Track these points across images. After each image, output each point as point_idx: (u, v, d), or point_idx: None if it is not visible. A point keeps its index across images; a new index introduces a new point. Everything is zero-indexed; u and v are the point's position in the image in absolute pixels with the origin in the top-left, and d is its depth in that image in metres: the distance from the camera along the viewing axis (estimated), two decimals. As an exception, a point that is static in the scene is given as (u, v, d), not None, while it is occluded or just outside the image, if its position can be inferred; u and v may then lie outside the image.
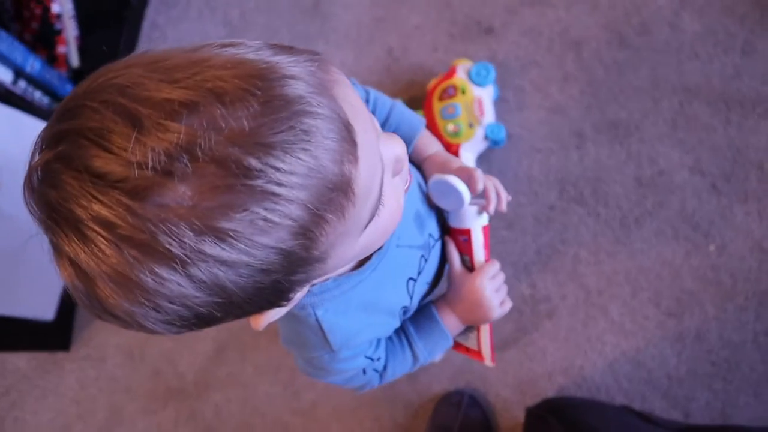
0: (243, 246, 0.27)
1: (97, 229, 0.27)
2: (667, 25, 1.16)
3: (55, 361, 1.23)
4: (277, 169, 0.27)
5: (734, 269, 1.05)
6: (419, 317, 0.64)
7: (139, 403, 1.19)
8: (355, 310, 0.52)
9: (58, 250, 0.29)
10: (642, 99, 1.14)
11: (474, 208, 0.62)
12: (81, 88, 0.29)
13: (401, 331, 0.64)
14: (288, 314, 0.50)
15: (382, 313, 0.56)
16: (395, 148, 0.39)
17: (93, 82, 0.29)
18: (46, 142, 0.29)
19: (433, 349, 0.64)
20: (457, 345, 0.69)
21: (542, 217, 1.12)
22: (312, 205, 0.29)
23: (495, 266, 0.64)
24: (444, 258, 0.67)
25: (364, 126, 0.33)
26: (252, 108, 0.27)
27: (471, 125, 1.07)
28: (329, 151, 0.29)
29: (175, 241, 0.26)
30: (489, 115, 1.09)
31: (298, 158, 0.27)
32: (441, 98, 1.09)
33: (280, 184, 0.27)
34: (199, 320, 0.31)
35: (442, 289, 0.69)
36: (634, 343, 1.05)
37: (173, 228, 0.26)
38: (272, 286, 0.31)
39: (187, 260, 0.27)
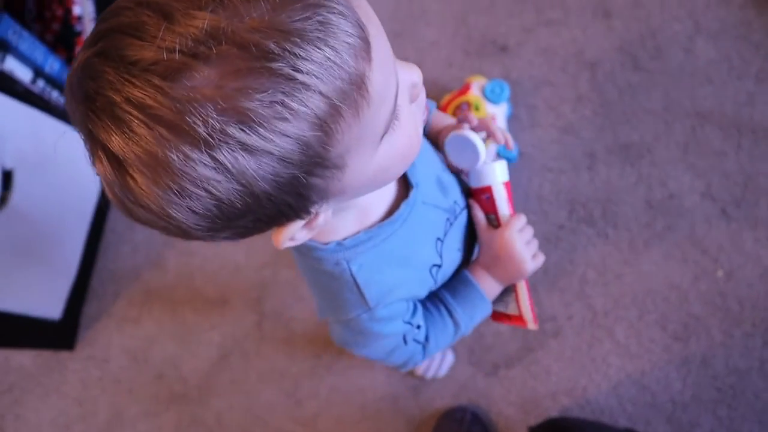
0: (263, 131, 0.30)
1: (130, 110, 0.29)
2: (681, 50, 1.17)
3: (59, 360, 1.24)
4: (295, 55, 0.29)
5: (742, 295, 1.05)
6: (454, 283, 0.64)
7: (141, 405, 1.19)
8: (389, 265, 0.53)
9: (93, 141, 0.31)
10: (654, 122, 1.14)
11: (492, 165, 0.62)
12: None
13: (438, 300, 0.63)
14: (323, 273, 0.52)
15: (414, 268, 0.57)
16: (412, 74, 0.41)
17: None
18: (86, 44, 0.32)
19: (473, 314, 0.63)
20: (496, 315, 0.68)
21: (551, 236, 1.12)
22: (328, 95, 0.31)
23: (522, 219, 0.64)
24: (474, 229, 0.66)
25: (378, 34, 0.35)
26: (272, 1, 0.29)
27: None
28: (344, 44, 0.31)
29: (200, 120, 0.29)
30: (502, 133, 1.09)
31: (315, 46, 0.30)
32: (454, 114, 1.09)
33: (297, 70, 0.29)
34: (221, 213, 0.32)
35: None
36: (640, 366, 1.05)
37: (199, 108, 0.29)
38: (291, 183, 0.33)
39: (211, 141, 0.29)
